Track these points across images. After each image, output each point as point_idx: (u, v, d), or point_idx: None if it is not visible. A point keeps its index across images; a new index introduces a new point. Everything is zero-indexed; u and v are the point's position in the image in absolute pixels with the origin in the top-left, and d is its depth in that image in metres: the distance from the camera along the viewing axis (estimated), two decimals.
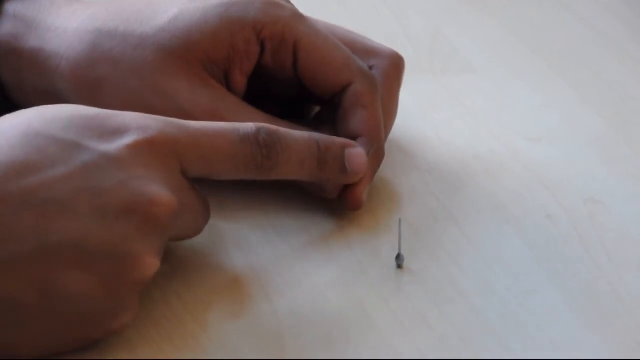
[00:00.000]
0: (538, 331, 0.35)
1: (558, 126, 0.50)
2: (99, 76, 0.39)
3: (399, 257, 0.38)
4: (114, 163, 0.31)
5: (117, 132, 0.32)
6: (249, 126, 0.35)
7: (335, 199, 0.40)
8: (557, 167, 0.46)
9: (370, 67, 0.42)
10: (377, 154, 0.41)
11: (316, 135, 0.39)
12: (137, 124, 0.33)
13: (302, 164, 0.37)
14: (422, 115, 0.49)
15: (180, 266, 0.39)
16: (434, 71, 0.53)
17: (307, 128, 0.41)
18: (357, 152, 0.39)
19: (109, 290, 0.31)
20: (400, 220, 0.38)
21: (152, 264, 0.32)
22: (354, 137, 0.40)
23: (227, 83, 0.40)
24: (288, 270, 0.39)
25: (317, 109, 0.46)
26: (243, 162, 0.35)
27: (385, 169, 0.44)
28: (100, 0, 0.41)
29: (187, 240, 0.38)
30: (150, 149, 0.32)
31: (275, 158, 0.36)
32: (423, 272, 0.38)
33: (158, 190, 0.32)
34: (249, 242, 0.40)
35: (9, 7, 0.40)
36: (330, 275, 0.38)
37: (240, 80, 0.40)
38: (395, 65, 0.43)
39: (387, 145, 0.43)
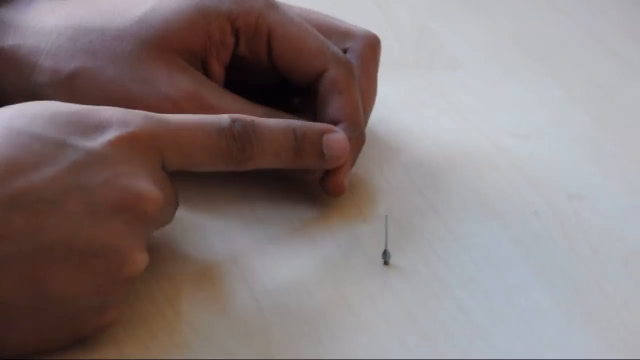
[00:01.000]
0: (523, 327, 0.36)
1: (545, 123, 0.50)
2: (78, 67, 0.39)
3: (385, 254, 0.38)
4: (100, 160, 0.32)
5: (98, 127, 0.33)
6: (224, 118, 0.36)
7: (317, 179, 0.41)
8: (543, 164, 0.46)
9: (346, 50, 0.42)
10: (357, 139, 0.41)
11: (294, 122, 0.39)
12: (118, 119, 0.33)
13: (277, 154, 0.38)
14: (408, 111, 0.50)
15: (164, 261, 0.39)
16: (420, 67, 0.54)
17: (287, 114, 0.41)
18: (336, 137, 0.39)
19: (99, 288, 0.32)
20: (386, 217, 0.39)
21: (142, 259, 0.33)
22: (334, 124, 0.40)
23: (205, 73, 0.40)
24: (274, 266, 0.39)
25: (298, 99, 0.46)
26: (219, 155, 0.36)
27: (371, 165, 0.44)
28: None
29: (171, 234, 0.39)
30: (132, 144, 0.33)
31: (249, 150, 0.36)
32: (409, 269, 0.39)
33: (145, 185, 0.32)
34: (233, 236, 0.40)
35: None
36: (316, 272, 0.39)
37: (218, 70, 0.41)
38: (371, 46, 0.43)
39: (372, 140, 0.44)
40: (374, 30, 0.45)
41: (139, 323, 0.35)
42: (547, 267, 0.39)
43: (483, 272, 0.39)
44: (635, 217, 0.42)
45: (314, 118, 0.41)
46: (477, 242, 0.41)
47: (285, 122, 0.39)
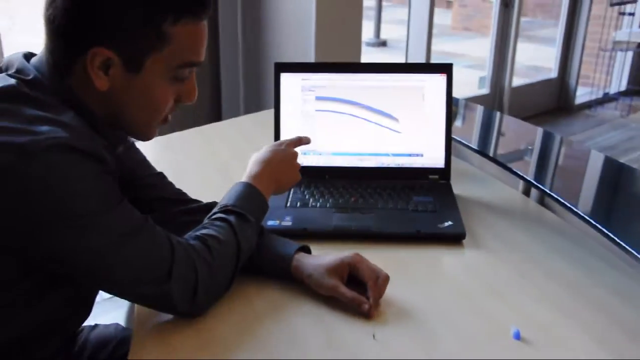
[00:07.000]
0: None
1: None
2: (302, 274, 0.89)
3: (374, 336, 0.72)
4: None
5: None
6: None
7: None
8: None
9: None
10: (376, 303, 0.85)
11: (355, 293, 0.84)
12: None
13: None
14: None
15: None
16: None
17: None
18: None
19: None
20: (373, 335, 0.74)
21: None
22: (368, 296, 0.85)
23: (340, 278, 0.88)
24: (297, 328, 0.76)
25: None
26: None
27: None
28: (318, 254, 0.93)
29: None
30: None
31: None
32: (389, 344, 0.69)
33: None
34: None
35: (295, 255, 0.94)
36: (331, 336, 0.75)
37: (343, 277, 0.88)
38: (384, 279, 0.88)
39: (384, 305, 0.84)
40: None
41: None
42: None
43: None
44: None
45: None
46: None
47: (353, 292, 0.84)
